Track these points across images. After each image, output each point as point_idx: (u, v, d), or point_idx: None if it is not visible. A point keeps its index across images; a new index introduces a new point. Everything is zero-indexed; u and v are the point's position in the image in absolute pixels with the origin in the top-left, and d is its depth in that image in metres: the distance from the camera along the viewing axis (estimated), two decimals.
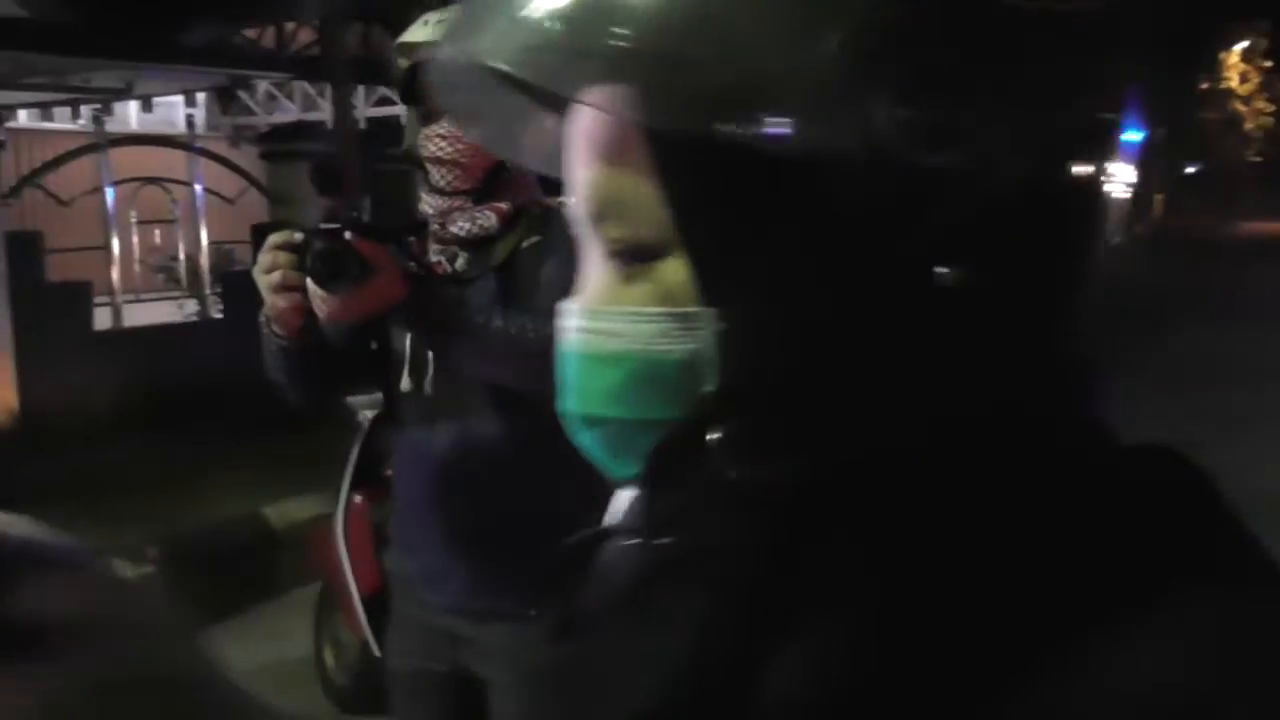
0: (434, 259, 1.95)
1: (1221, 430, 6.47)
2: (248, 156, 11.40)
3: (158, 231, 12.76)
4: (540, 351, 1.62)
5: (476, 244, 1.94)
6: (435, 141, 1.91)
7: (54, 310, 6.86)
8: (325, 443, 3.70)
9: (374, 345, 1.95)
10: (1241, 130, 54.70)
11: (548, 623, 1.90)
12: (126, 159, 10.46)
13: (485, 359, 1.74)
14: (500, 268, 1.92)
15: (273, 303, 1.70)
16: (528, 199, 1.98)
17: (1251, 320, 12.25)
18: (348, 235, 1.61)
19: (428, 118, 1.94)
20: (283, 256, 1.65)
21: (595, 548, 0.59)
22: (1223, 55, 51.66)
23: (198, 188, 10.73)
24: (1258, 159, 56.72)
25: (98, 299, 7.65)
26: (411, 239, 1.99)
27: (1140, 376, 6.27)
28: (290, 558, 4.94)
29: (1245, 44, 52.71)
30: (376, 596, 2.91)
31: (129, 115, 13.80)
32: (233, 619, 4.56)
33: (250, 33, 11.71)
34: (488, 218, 1.92)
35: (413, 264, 1.90)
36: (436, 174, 1.93)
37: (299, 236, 1.63)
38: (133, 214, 10.49)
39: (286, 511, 5.02)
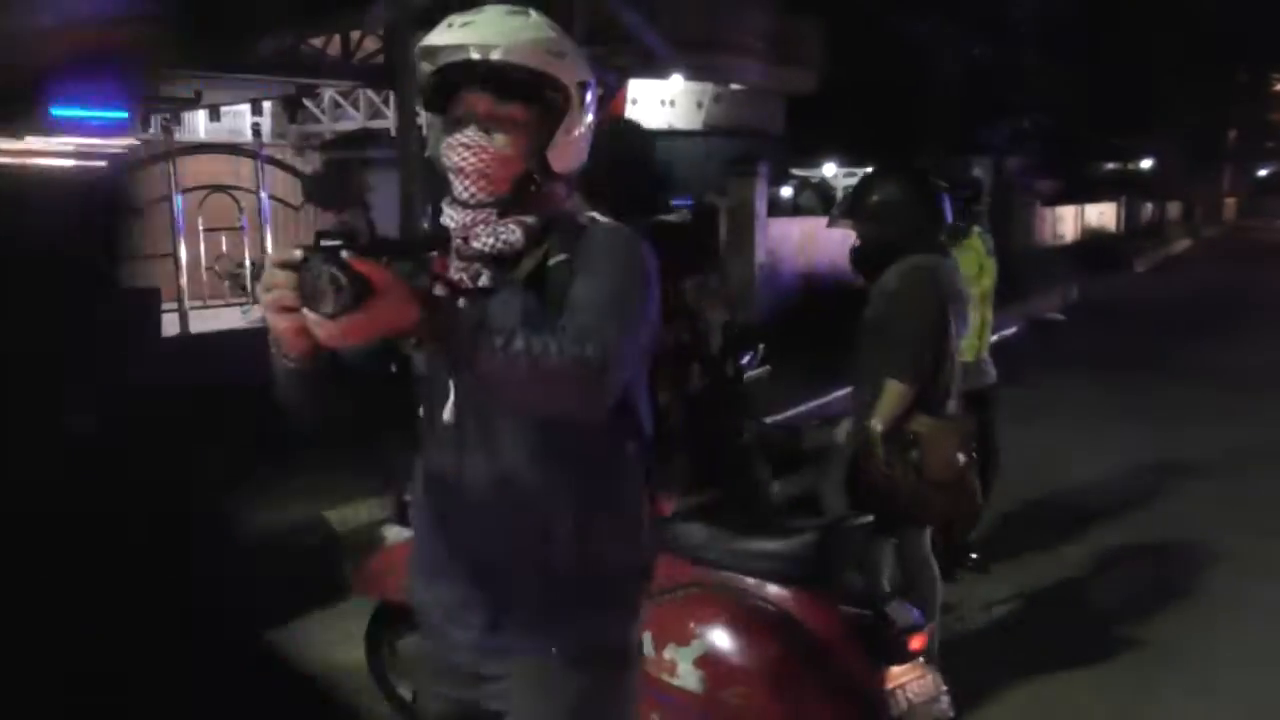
0: (456, 276, 1.82)
1: None
2: (314, 164, 11.53)
3: (224, 238, 12.97)
4: (564, 376, 1.58)
5: (501, 261, 1.82)
6: (458, 151, 1.81)
7: (124, 317, 6.98)
8: (388, 448, 3.73)
9: (394, 369, 1.85)
10: None
11: (571, 660, 1.86)
12: (194, 168, 10.63)
13: (505, 384, 1.60)
14: (526, 286, 1.80)
15: (274, 324, 1.57)
16: (559, 213, 1.87)
17: None
18: (344, 254, 1.47)
19: (452, 125, 1.85)
20: (280, 275, 1.51)
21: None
22: None
23: (263, 195, 10.88)
24: None
25: (166, 305, 7.77)
26: (434, 254, 1.89)
27: None
28: (353, 562, 4.98)
29: None
30: None
31: (198, 124, 14.02)
32: (296, 622, 4.62)
33: (317, 42, 11.86)
34: (512, 232, 1.81)
35: (435, 281, 1.81)
36: (459, 185, 1.82)
37: (299, 254, 1.50)
38: (200, 221, 10.64)
39: (349, 516, 5.07)
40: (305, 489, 5.24)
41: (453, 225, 1.83)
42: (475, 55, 1.79)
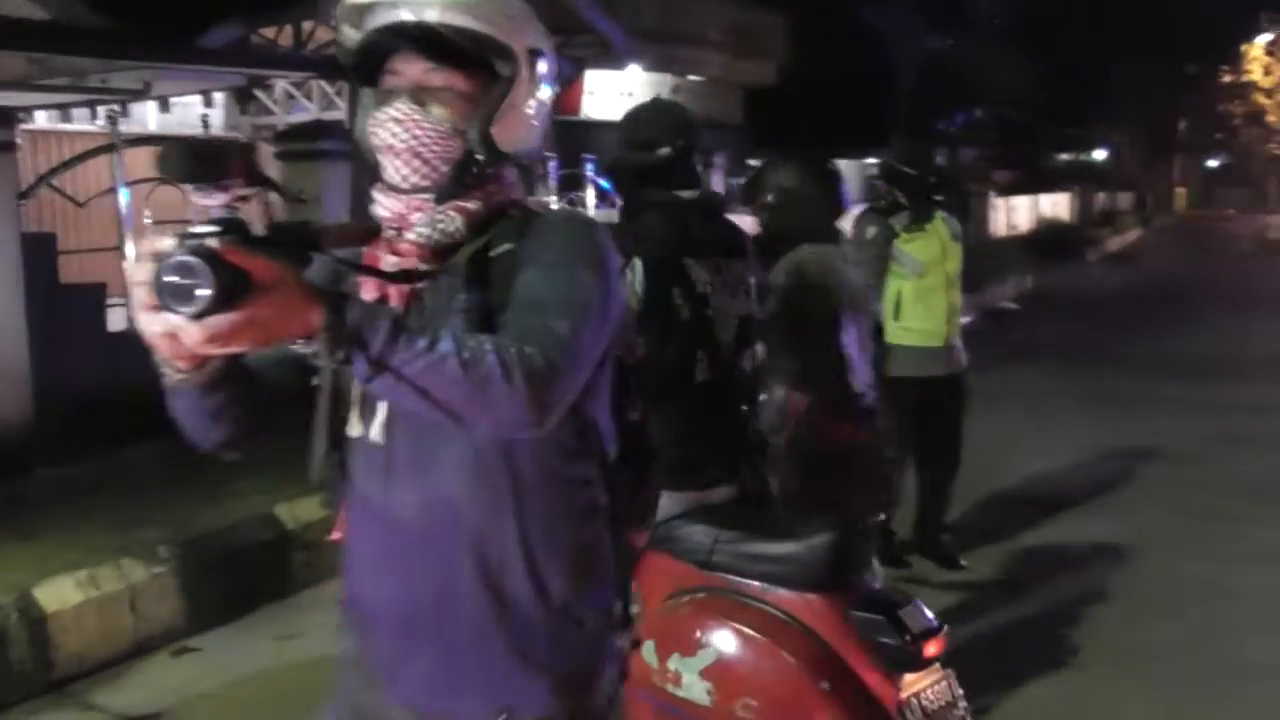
0: (387, 271, 1.58)
1: None
2: (265, 156, 11.39)
3: (173, 232, 12.76)
4: (502, 385, 1.33)
5: (440, 254, 1.57)
6: (388, 127, 1.56)
7: (68, 311, 6.85)
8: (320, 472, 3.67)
9: (314, 381, 1.53)
10: (1264, 123, 54.20)
11: None
12: (142, 160, 10.46)
13: (431, 397, 1.34)
14: (466, 281, 1.55)
15: (142, 328, 1.25)
16: (507, 199, 1.63)
17: None
18: (212, 243, 1.21)
19: (382, 98, 1.59)
20: (142, 270, 1.22)
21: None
22: (1245, 48, 51.21)
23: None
24: None
25: (111, 300, 7.64)
26: (362, 249, 1.63)
27: None
28: (302, 557, 4.93)
29: (1269, 37, 52.23)
30: None
31: (147, 116, 13.81)
32: (244, 618, 4.56)
33: (268, 32, 11.72)
34: (453, 221, 1.57)
35: (362, 278, 1.58)
36: (391, 167, 1.58)
37: (168, 243, 1.23)
38: (147, 214, 10.48)
39: (298, 511, 5.01)
40: (254, 485, 5.17)
41: (385, 214, 1.60)
42: (408, 15, 1.54)
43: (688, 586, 2.73)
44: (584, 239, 1.59)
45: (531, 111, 1.64)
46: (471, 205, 1.58)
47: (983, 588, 4.88)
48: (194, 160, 1.40)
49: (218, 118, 14.18)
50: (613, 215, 11.29)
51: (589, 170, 12.95)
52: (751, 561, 2.65)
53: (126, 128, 10.61)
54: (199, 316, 1.19)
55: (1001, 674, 3.91)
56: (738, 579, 2.67)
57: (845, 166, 23.83)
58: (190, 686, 4.03)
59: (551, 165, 12.72)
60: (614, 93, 16.16)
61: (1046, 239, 24.16)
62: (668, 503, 2.73)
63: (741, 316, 3.00)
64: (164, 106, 13.94)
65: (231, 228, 1.27)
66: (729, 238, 3.07)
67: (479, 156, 1.57)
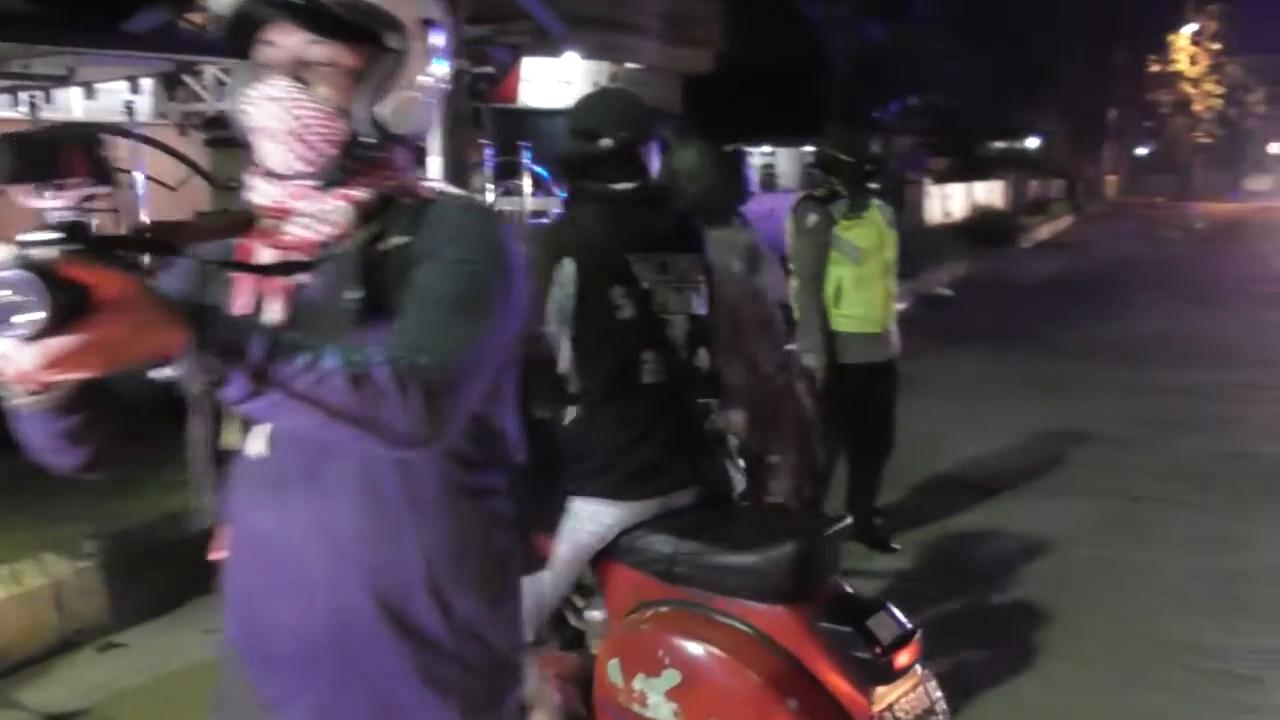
0: (263, 269, 1.44)
1: None
2: (194, 143, 11.18)
3: (98, 221, 12.51)
4: (393, 396, 1.22)
5: (325, 246, 1.43)
6: (264, 106, 1.41)
7: None
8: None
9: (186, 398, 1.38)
10: (1190, 112, 55.42)
11: None
12: None
13: (315, 413, 1.22)
14: (354, 279, 1.40)
15: None
16: (398, 186, 1.49)
17: None
18: (46, 254, 1.08)
19: (258, 73, 1.44)
20: None
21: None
22: (1172, 38, 52.26)
23: (139, 175, 10.50)
24: (1206, 140, 57.54)
25: None
26: (234, 241, 1.48)
27: None
28: None
29: (1194, 27, 53.36)
30: None
31: (71, 103, 13.50)
32: (172, 613, 4.47)
33: (196, 18, 11.46)
34: (339, 211, 1.43)
35: (236, 278, 1.43)
36: (269, 151, 1.43)
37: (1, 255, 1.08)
38: None
39: None
40: (182, 477, 5.05)
41: (262, 203, 1.44)
42: None
43: (650, 599, 2.64)
44: (483, 231, 1.47)
45: (425, 88, 1.51)
46: (360, 192, 1.44)
47: (914, 571, 4.92)
48: (16, 157, 1.20)
49: (145, 104, 13.89)
50: (552, 204, 11.24)
51: (525, 158, 12.87)
52: (714, 573, 2.54)
53: (50, 114, 10.36)
54: (31, 339, 1.04)
55: (931, 657, 3.94)
56: (701, 591, 2.56)
57: (784, 155, 23.95)
58: (116, 682, 3.95)
59: (488, 153, 12.62)
60: (552, 80, 16.07)
61: (981, 226, 24.49)
62: (627, 512, 2.64)
63: (691, 314, 2.80)
64: (89, 93, 13.63)
65: (73, 234, 1.14)
66: (677, 232, 2.88)
67: (367, 139, 1.44)
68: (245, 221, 1.46)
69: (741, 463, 2.90)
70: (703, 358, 2.81)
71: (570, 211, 2.88)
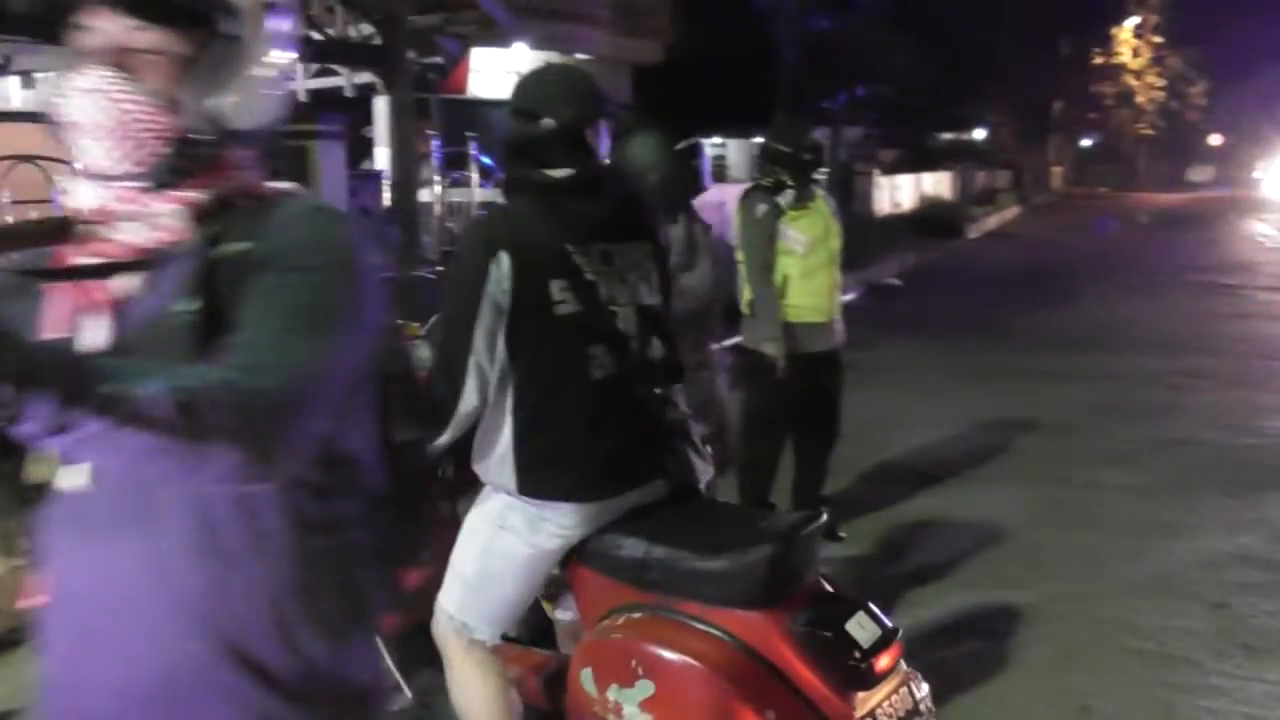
0: (83, 280, 1.29)
1: None
2: None
3: (34, 213, 12.29)
4: (228, 420, 1.13)
5: (154, 254, 1.29)
6: (82, 99, 1.26)
7: None
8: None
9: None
10: (1133, 104, 56.30)
11: None
12: (2, 137, 10.00)
13: (141, 450, 1.11)
14: (186, 290, 1.25)
15: None
16: (237, 187, 1.35)
17: None
18: None
19: (74, 62, 1.28)
20: None
21: None
22: (1115, 31, 53.00)
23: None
24: (1149, 132, 58.48)
25: None
26: (49, 250, 1.34)
27: None
28: None
29: (1137, 20, 54.16)
30: (399, 632, 2.60)
31: (8, 92, 13.25)
32: None
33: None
34: (169, 213, 1.29)
35: (50, 292, 1.29)
36: (89, 149, 1.27)
37: None
38: (6, 193, 10.03)
39: None
40: None
41: (82, 206, 1.30)
42: None
43: (622, 604, 2.54)
44: (330, 236, 1.34)
45: (264, 78, 1.36)
46: (193, 194, 1.30)
47: (860, 559, 4.97)
48: None
49: None
50: (498, 195, 11.20)
51: (474, 149, 12.81)
52: (687, 579, 2.43)
53: None
54: None
55: None
56: (674, 597, 2.45)
57: (734, 145, 23.92)
58: None
59: (436, 144, 12.56)
60: (500, 71, 16.00)
61: (929, 217, 24.72)
62: (589, 513, 2.53)
63: (640, 305, 2.61)
64: (27, 82, 13.38)
65: None
66: (624, 218, 2.66)
67: (201, 134, 1.30)
68: (62, 228, 1.31)
69: (709, 449, 2.78)
70: (656, 348, 2.65)
71: (506, 202, 2.69)
